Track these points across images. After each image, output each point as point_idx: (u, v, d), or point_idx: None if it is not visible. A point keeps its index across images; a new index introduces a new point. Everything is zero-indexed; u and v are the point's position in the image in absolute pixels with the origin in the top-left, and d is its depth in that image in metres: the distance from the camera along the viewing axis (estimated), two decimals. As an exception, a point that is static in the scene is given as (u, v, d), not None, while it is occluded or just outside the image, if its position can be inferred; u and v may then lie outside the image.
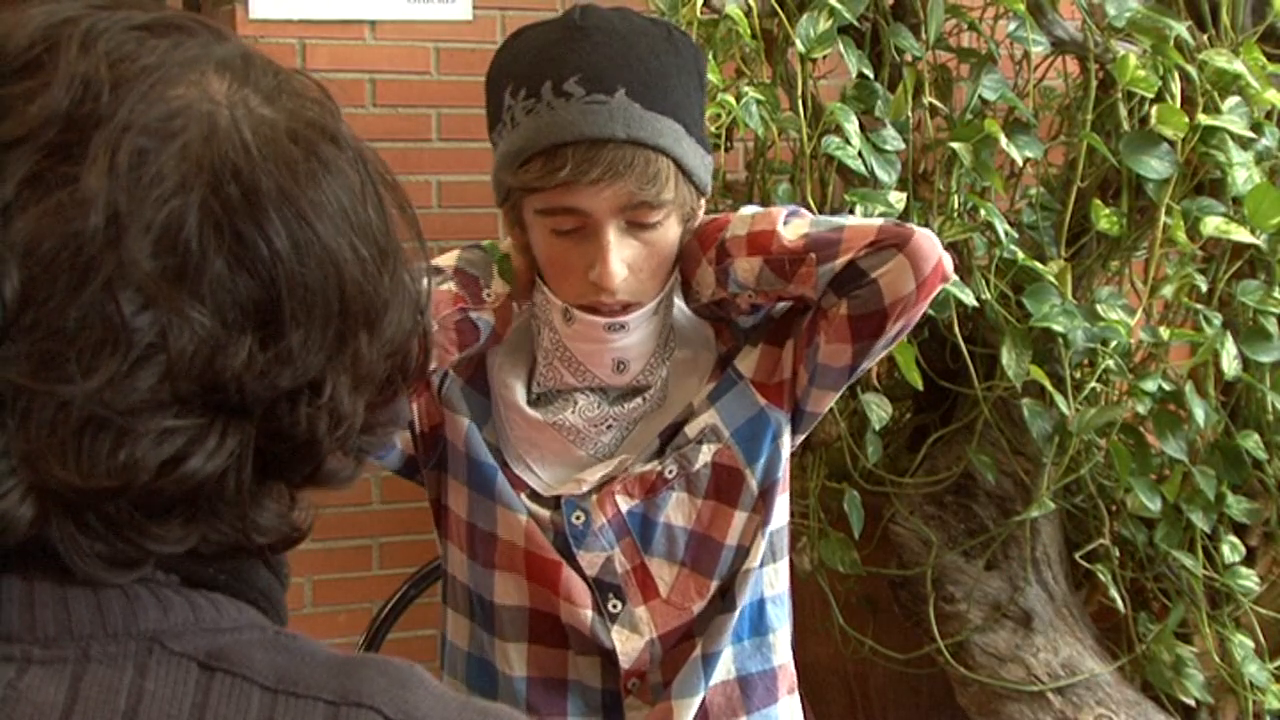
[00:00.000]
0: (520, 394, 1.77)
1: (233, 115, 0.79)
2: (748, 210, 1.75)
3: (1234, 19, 2.96)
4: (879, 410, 2.82)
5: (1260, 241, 2.80)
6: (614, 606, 1.77)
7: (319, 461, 0.81)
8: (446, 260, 1.78)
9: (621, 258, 1.65)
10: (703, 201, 1.76)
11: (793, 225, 1.70)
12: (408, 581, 2.54)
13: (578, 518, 1.77)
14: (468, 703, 0.81)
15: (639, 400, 1.76)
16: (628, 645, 1.77)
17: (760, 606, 1.82)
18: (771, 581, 1.83)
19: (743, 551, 1.79)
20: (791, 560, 3.03)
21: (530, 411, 1.76)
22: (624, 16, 1.71)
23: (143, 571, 0.78)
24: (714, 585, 1.79)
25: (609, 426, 1.75)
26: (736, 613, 1.79)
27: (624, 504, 1.77)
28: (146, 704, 0.75)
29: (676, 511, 1.78)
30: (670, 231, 1.69)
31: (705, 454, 1.78)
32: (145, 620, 0.77)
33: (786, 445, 1.81)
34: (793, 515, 3.01)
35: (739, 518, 1.78)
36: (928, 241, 1.67)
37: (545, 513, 1.78)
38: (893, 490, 2.97)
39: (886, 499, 2.98)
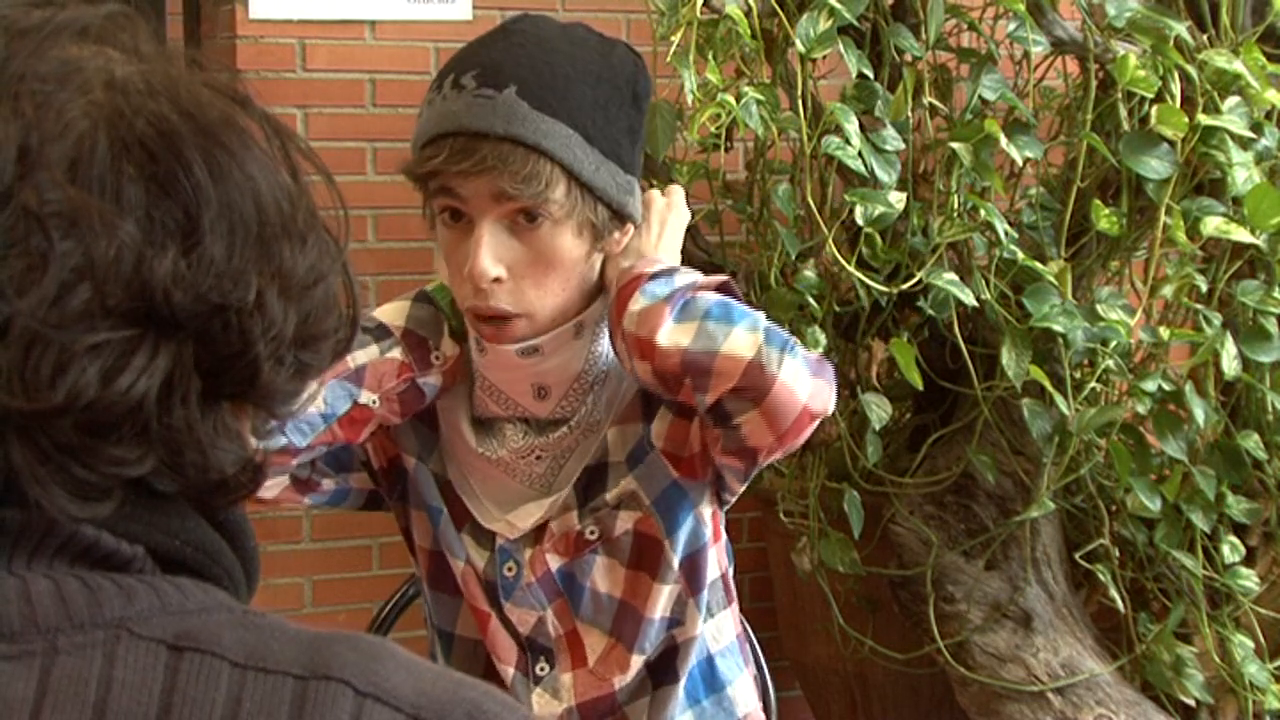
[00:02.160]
0: (463, 419, 1.75)
1: (134, 68, 0.82)
2: (641, 300, 1.64)
3: (1234, 19, 2.96)
4: (879, 410, 2.82)
5: (1260, 241, 2.81)
6: (541, 669, 1.75)
7: (256, 371, 0.81)
8: (393, 317, 1.72)
9: (496, 256, 1.61)
10: (629, 227, 1.69)
11: (677, 330, 1.61)
12: (408, 582, 2.54)
13: (509, 569, 1.74)
14: (442, 673, 0.81)
15: (565, 430, 1.72)
16: (544, 710, 1.75)
17: (710, 664, 1.79)
18: (715, 637, 1.80)
19: (671, 622, 1.77)
20: (790, 561, 3.04)
21: (470, 440, 1.73)
22: (563, 28, 1.69)
23: (109, 505, 0.79)
24: (635, 660, 1.75)
25: (538, 457, 1.72)
26: (681, 683, 1.77)
27: (553, 562, 1.74)
28: (116, 692, 0.75)
29: (603, 577, 1.75)
30: (560, 240, 1.62)
31: (625, 521, 1.74)
32: (110, 609, 0.77)
33: (708, 509, 1.76)
34: (792, 515, 3.02)
35: (661, 591, 1.75)
36: (787, 394, 1.59)
37: (481, 560, 1.76)
38: (893, 490, 2.97)
39: (886, 499, 2.98)
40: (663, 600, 1.75)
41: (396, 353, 1.69)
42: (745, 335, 1.61)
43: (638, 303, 1.63)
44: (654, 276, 1.65)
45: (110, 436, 0.77)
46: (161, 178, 0.78)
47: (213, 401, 0.81)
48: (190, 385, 0.79)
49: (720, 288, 1.67)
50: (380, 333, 1.70)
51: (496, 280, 1.62)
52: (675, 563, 1.75)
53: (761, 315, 1.65)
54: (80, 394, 0.75)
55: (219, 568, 0.84)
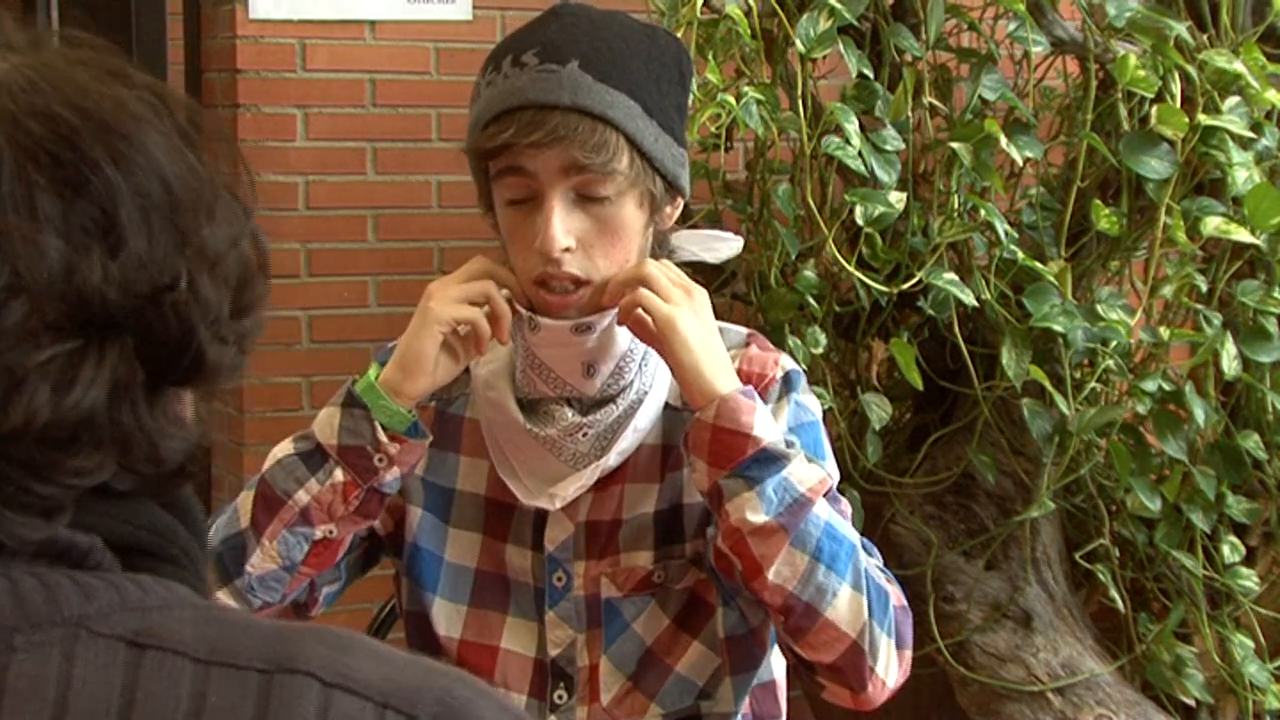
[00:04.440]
0: (509, 400, 1.74)
1: (11, 65, 0.81)
2: (756, 506, 1.60)
3: (1234, 19, 2.96)
4: (879, 410, 2.82)
5: (1260, 241, 2.80)
6: (560, 697, 1.74)
7: (200, 354, 0.81)
8: (326, 435, 1.65)
9: (567, 228, 1.62)
10: (679, 200, 1.71)
11: (786, 560, 1.60)
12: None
13: (559, 579, 1.74)
14: (412, 660, 0.80)
15: (611, 406, 1.72)
16: None
17: None
18: None
19: (700, 692, 1.76)
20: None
21: (519, 418, 1.73)
22: (609, 13, 1.71)
23: (62, 520, 0.78)
24: (654, 709, 1.75)
25: (584, 434, 1.71)
26: None
27: (607, 590, 1.74)
28: (76, 689, 0.75)
29: (645, 622, 1.75)
30: (624, 210, 1.64)
31: (690, 578, 1.75)
32: (68, 607, 0.77)
33: (753, 609, 1.76)
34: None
35: (696, 650, 1.75)
36: (879, 689, 1.63)
37: (526, 562, 1.75)
38: (893, 490, 2.97)
39: (886, 499, 2.98)
40: (696, 660, 1.75)
41: (338, 474, 1.65)
42: (849, 597, 1.61)
43: (753, 507, 1.60)
44: (760, 456, 1.60)
45: (70, 449, 0.77)
46: (72, 181, 0.77)
47: (158, 393, 0.80)
48: (136, 383, 0.79)
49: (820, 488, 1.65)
50: (317, 460, 1.66)
51: (567, 250, 1.63)
52: (719, 632, 1.76)
53: (860, 554, 1.63)
54: (36, 414, 0.75)
55: (175, 548, 0.83)
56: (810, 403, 1.75)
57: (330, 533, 1.66)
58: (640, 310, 1.63)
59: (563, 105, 1.59)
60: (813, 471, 1.62)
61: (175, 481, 0.83)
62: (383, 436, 1.64)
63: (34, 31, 0.84)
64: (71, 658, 0.76)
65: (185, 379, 0.82)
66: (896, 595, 1.66)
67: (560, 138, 1.59)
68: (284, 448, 1.69)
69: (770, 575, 1.60)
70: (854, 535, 1.65)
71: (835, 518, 1.64)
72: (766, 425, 1.62)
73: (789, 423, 1.71)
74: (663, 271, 1.65)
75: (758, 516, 1.59)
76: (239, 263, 0.84)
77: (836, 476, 1.70)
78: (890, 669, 1.63)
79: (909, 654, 1.66)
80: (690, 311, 1.63)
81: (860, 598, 1.61)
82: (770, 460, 1.60)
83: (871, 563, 1.66)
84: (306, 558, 1.67)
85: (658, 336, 1.63)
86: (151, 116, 0.82)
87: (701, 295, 1.66)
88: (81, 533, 0.80)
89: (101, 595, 0.78)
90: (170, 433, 0.81)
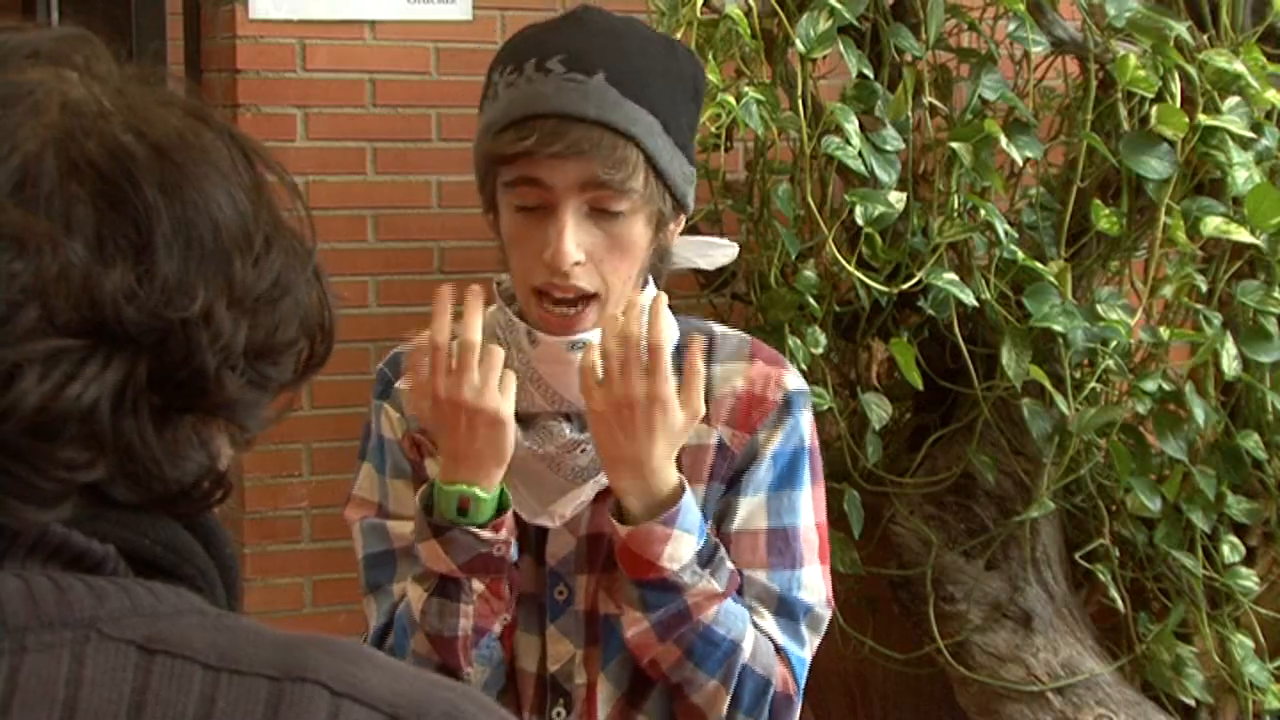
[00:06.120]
0: None
1: (89, 90, 0.82)
2: (641, 623, 1.64)
3: (1234, 19, 2.96)
4: (879, 410, 2.82)
5: (1260, 241, 2.81)
6: (558, 714, 1.73)
7: (205, 382, 0.81)
8: (439, 565, 1.67)
9: (577, 241, 1.59)
10: (681, 218, 1.69)
11: (659, 651, 1.64)
12: (408, 582, 2.54)
13: (560, 592, 1.72)
14: (418, 674, 0.81)
15: None
16: None
17: None
18: None
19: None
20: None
21: (519, 434, 1.69)
22: (628, 20, 1.69)
23: (65, 508, 0.79)
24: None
25: (583, 450, 1.69)
26: None
27: (604, 606, 1.72)
28: (86, 690, 0.75)
29: None
30: (634, 227, 1.62)
31: None
32: (80, 609, 0.78)
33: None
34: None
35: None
36: None
37: (529, 580, 1.73)
38: (893, 490, 2.97)
39: (886, 499, 2.98)
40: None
41: (478, 585, 1.68)
42: (713, 690, 1.65)
43: (639, 626, 1.64)
44: (660, 584, 1.63)
45: (57, 440, 0.77)
46: (111, 196, 0.79)
47: (170, 414, 0.81)
48: (142, 398, 0.79)
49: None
50: (452, 588, 1.67)
51: (577, 264, 1.61)
52: None
53: (739, 652, 1.64)
54: (21, 400, 0.76)
55: (191, 567, 0.84)
56: (805, 424, 1.73)
57: (506, 620, 1.69)
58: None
59: (588, 118, 1.57)
60: (711, 586, 1.64)
61: (187, 502, 0.84)
62: (487, 534, 1.64)
63: (127, 68, 0.86)
64: (82, 659, 0.76)
65: (191, 404, 0.82)
66: (783, 679, 1.67)
67: (582, 151, 1.57)
68: (416, 595, 1.70)
69: (645, 660, 1.66)
70: (738, 628, 1.65)
71: (721, 618, 1.64)
72: (678, 548, 1.62)
73: (775, 448, 1.71)
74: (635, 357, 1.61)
75: (639, 629, 1.64)
76: (289, 310, 0.85)
77: (798, 515, 1.69)
78: None
79: None
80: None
81: (724, 693, 1.64)
82: (670, 588, 1.62)
83: (770, 638, 1.67)
84: (503, 641, 1.71)
85: (590, 410, 1.63)
86: (219, 157, 0.83)
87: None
88: (97, 541, 0.80)
89: (113, 599, 0.79)
90: (182, 455, 0.82)
